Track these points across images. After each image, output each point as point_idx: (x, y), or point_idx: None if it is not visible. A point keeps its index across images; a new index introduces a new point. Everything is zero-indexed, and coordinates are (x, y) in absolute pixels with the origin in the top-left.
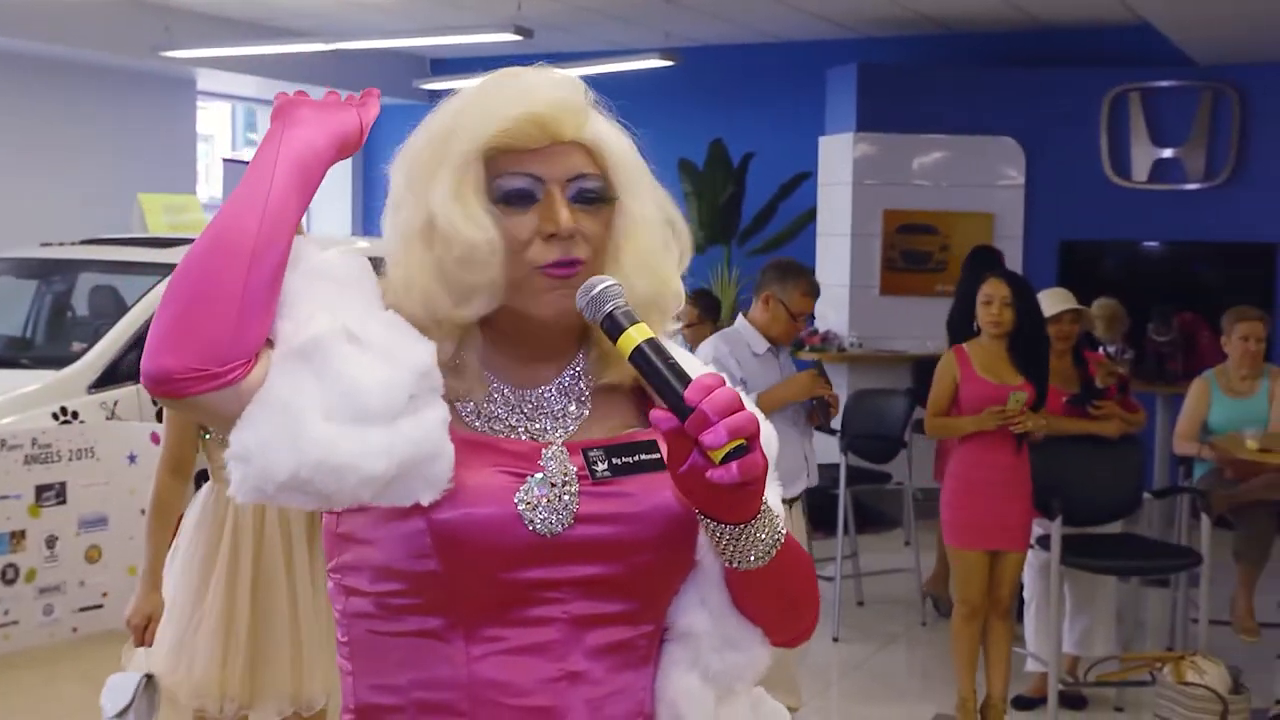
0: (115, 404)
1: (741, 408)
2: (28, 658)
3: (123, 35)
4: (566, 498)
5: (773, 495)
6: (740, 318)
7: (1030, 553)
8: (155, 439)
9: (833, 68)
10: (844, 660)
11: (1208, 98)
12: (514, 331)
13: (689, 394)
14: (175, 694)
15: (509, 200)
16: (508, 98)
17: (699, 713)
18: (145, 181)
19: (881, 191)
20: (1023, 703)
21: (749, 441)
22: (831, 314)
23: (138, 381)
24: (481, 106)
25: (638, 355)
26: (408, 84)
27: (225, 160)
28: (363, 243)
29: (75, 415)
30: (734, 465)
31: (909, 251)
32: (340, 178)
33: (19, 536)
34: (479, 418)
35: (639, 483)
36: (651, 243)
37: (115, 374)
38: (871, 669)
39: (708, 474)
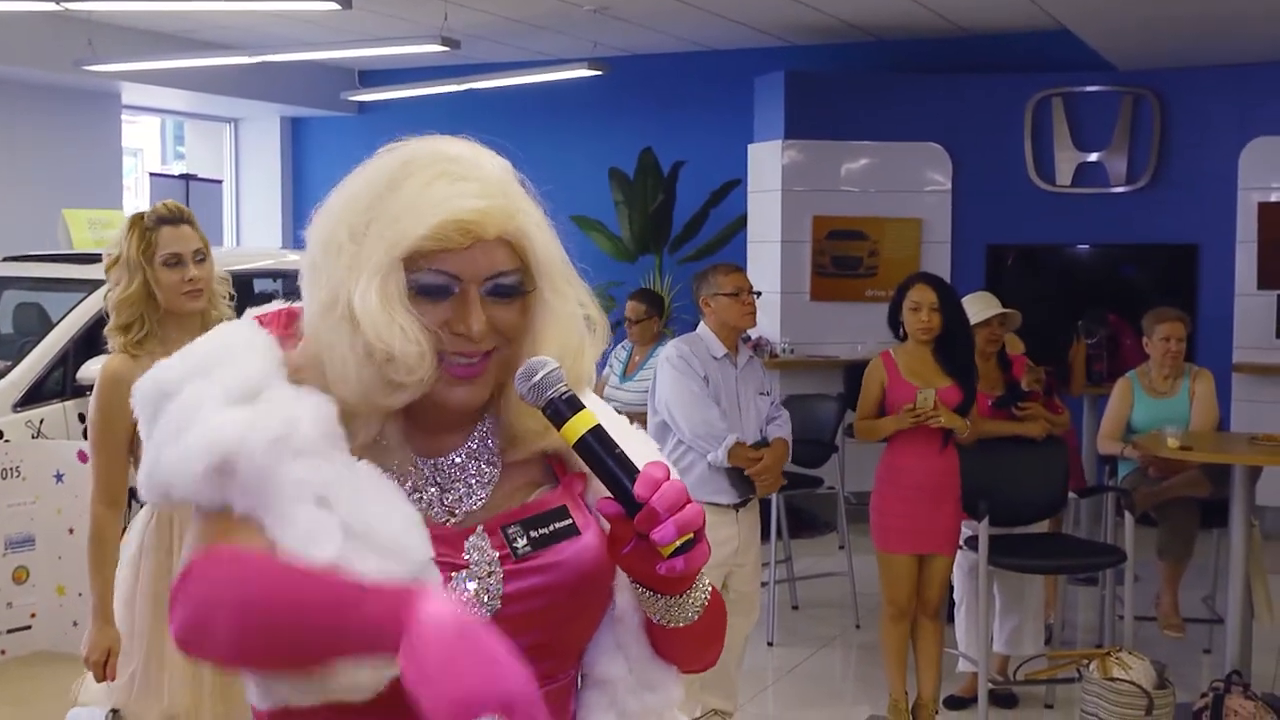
0: (41, 422)
1: (688, 500)
2: None
3: (44, 49)
4: (493, 584)
5: None
6: (700, 325)
7: (959, 554)
8: (82, 457)
9: (760, 76)
10: (779, 664)
11: (1128, 102)
12: (421, 406)
13: (638, 489)
14: None
15: (425, 293)
16: (433, 202)
17: None
18: (70, 197)
19: (810, 198)
20: (954, 702)
21: (696, 534)
22: (763, 320)
23: (64, 399)
24: (406, 208)
25: (582, 446)
26: (335, 96)
27: (152, 175)
28: (292, 255)
29: (0, 434)
30: (681, 560)
31: (838, 257)
32: (270, 190)
33: None
34: (409, 494)
35: (555, 552)
36: (570, 334)
37: (40, 392)
38: (806, 672)
39: (657, 567)
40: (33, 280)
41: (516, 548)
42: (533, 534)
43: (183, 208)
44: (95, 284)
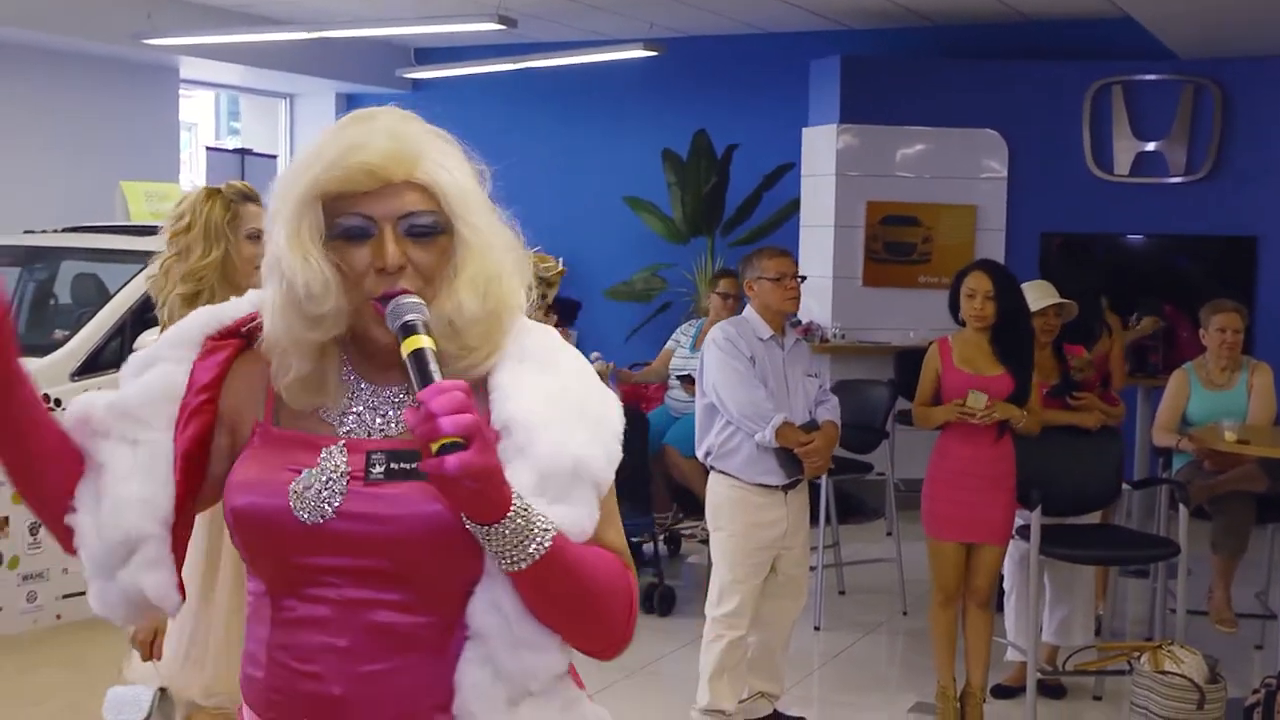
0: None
1: (466, 411)
2: (11, 644)
3: (104, 22)
4: (327, 492)
5: (560, 512)
6: (747, 307)
7: (1010, 543)
8: None
9: (816, 59)
10: (825, 649)
11: (1189, 92)
12: (365, 342)
13: (421, 394)
14: (189, 696)
15: (347, 236)
16: (341, 148)
17: (488, 707)
18: (128, 169)
19: (864, 183)
20: (1002, 691)
21: (467, 442)
22: (814, 305)
23: (120, 370)
24: (319, 156)
25: (410, 358)
26: (390, 73)
27: (208, 148)
28: None
29: (58, 403)
30: (446, 459)
31: (892, 243)
32: None
33: (2, 523)
34: (328, 415)
35: (413, 487)
36: (485, 266)
37: (98, 362)
38: (852, 657)
39: (420, 464)
40: (91, 251)
41: (370, 471)
42: (393, 465)
43: (255, 190)
44: (153, 256)
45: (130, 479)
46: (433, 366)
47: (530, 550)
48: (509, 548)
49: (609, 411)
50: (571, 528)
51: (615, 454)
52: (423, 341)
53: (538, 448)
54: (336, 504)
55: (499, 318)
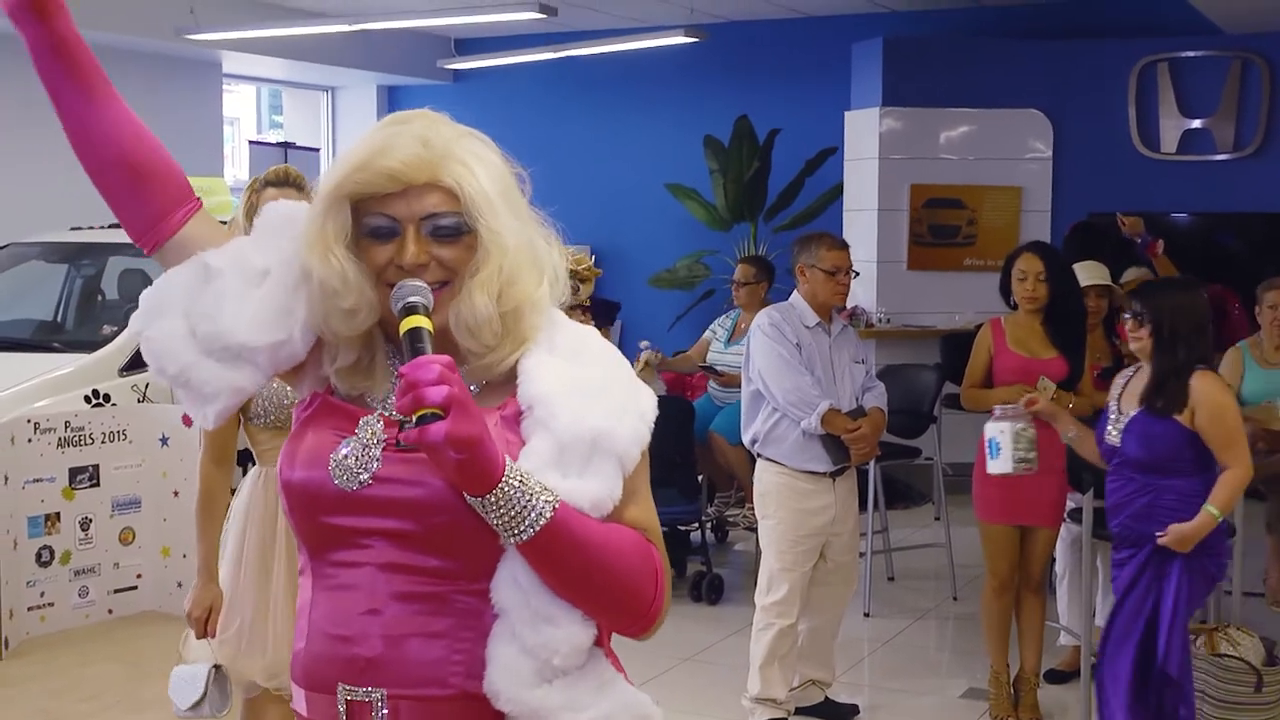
0: (147, 386)
1: (445, 383)
2: (64, 639)
3: (147, 18)
4: (367, 459)
5: (577, 486)
6: (794, 293)
7: (1062, 526)
8: (187, 421)
9: (858, 42)
10: (875, 635)
11: (1236, 68)
12: (393, 332)
13: (404, 368)
14: (250, 677)
15: (374, 235)
16: (368, 152)
17: (514, 681)
18: None
19: (908, 166)
20: (1055, 676)
21: (446, 412)
22: (859, 289)
23: None
24: (348, 158)
25: (405, 336)
26: (431, 64)
27: (251, 143)
28: None
29: (107, 398)
30: (427, 428)
31: (936, 226)
32: None
33: (53, 519)
34: (373, 400)
35: None
36: (502, 268)
37: None
38: (902, 644)
39: (402, 434)
40: (137, 247)
41: (401, 441)
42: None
43: (291, 171)
44: None
45: (298, 325)
46: (425, 345)
47: (528, 522)
48: (506, 518)
49: (637, 396)
50: (590, 503)
51: (641, 434)
52: (420, 321)
53: (558, 420)
54: (373, 469)
55: (519, 316)
